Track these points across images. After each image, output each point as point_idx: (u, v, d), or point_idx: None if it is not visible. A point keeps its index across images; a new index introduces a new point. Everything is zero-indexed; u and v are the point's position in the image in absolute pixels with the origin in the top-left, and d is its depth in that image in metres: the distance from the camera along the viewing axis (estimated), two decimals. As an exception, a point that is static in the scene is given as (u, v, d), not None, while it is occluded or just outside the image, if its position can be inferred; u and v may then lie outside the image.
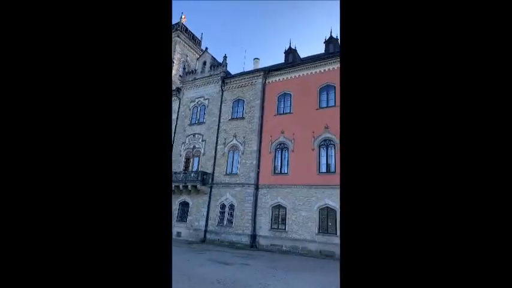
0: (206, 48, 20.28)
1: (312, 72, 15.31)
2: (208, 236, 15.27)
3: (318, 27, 46.09)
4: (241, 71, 20.53)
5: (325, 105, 14.41)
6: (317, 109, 14.51)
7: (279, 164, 14.87)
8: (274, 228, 13.91)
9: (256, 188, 14.92)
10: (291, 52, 17.40)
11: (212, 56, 19.79)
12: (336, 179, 12.92)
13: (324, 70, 14.93)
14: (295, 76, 15.84)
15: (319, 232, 12.73)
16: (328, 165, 13.49)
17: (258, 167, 15.21)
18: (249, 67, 24.80)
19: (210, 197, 15.96)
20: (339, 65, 14.54)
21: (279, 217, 13.99)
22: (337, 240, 12.14)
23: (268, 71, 16.69)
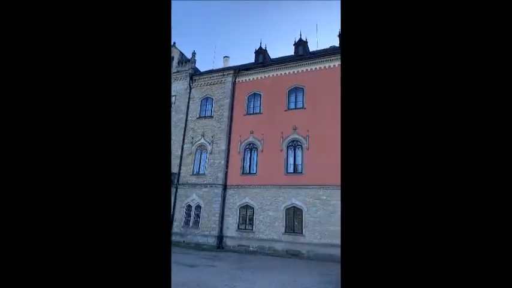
0: (174, 43, 19.66)
1: (281, 74, 15.65)
2: (173, 237, 14.84)
3: (288, 29, 47.11)
4: (211, 68, 20.27)
5: (294, 107, 14.83)
6: (286, 110, 14.87)
7: (248, 164, 14.97)
8: (241, 229, 13.98)
9: (224, 188, 14.86)
10: (261, 52, 17.60)
11: (180, 52, 19.25)
12: (302, 179, 13.37)
13: (294, 72, 15.35)
14: (265, 76, 16.06)
15: (285, 232, 13.08)
16: (295, 166, 13.91)
17: (227, 167, 15.17)
18: (219, 65, 24.57)
19: (175, 198, 15.53)
20: (308, 68, 15.06)
21: (246, 217, 14.09)
22: (303, 239, 12.59)
23: (239, 70, 16.71)
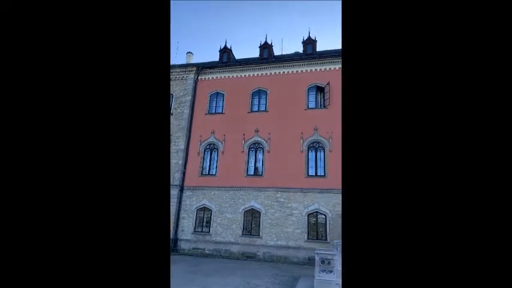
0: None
1: (246, 75, 15.81)
2: (122, 242, 13.99)
3: (254, 32, 47.69)
4: (172, 63, 19.65)
5: (257, 109, 15.09)
6: (249, 112, 15.06)
7: (208, 165, 14.81)
8: (197, 232, 13.77)
9: (181, 189, 14.50)
10: (226, 51, 17.59)
11: (140, 42, 18.30)
12: (262, 181, 13.64)
13: (258, 74, 15.63)
14: (229, 76, 16.08)
15: (243, 234, 13.21)
16: (256, 168, 14.14)
17: (185, 167, 14.82)
18: (181, 61, 23.90)
19: (127, 199, 14.67)
20: (272, 71, 15.44)
21: (203, 220, 13.92)
22: (259, 241, 12.84)
23: (202, 67, 16.48)
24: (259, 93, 15.34)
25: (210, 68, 16.42)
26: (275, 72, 15.42)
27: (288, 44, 47.23)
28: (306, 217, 12.73)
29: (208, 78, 16.33)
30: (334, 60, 14.58)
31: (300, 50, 16.83)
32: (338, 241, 7.69)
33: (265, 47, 16.85)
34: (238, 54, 29.76)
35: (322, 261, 6.87)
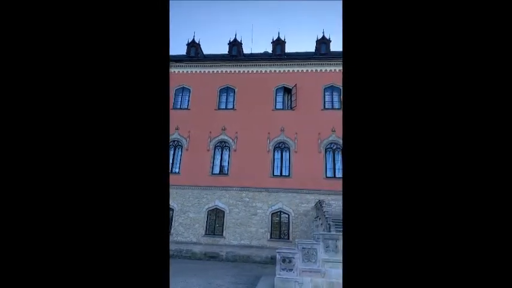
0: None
1: (214, 71, 15.66)
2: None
3: (223, 27, 47.30)
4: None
5: (224, 107, 15.04)
6: (216, 109, 14.95)
7: (171, 163, 14.42)
8: (158, 232, 13.36)
9: (142, 187, 13.93)
10: (194, 45, 17.24)
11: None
12: (227, 180, 13.66)
13: (227, 71, 15.57)
14: (196, 71, 15.80)
15: (205, 234, 13.12)
16: (221, 167, 14.10)
17: (146, 165, 14.25)
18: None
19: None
20: (241, 69, 15.48)
21: (164, 220, 13.54)
22: (223, 241, 12.86)
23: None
24: (227, 90, 15.30)
25: (176, 61, 15.96)
26: (244, 71, 15.49)
27: (257, 43, 47.65)
28: (270, 216, 13.03)
29: (174, 72, 15.87)
30: (302, 63, 15.07)
31: (270, 49, 17.11)
32: (299, 240, 8.02)
33: (235, 44, 16.84)
34: (207, 50, 29.30)
35: (283, 260, 7.13)
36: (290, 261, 7.08)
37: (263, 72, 15.35)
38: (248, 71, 15.48)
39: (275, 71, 15.23)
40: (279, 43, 16.42)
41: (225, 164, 14.15)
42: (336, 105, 14.43)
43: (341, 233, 7.41)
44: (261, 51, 18.55)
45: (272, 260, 11.39)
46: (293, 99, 14.62)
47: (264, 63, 15.40)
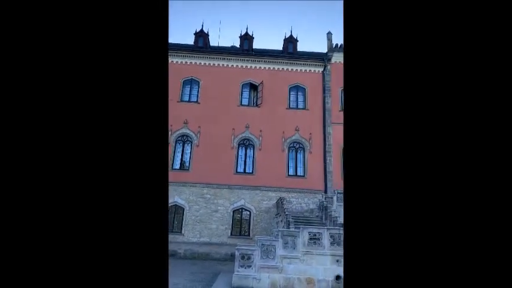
0: None
1: (178, 62, 15.22)
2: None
3: (189, 17, 45.86)
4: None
5: (187, 100, 14.72)
6: (178, 102, 14.57)
7: (127, 156, 13.75)
8: (110, 230, 12.71)
9: (93, 182, 13.11)
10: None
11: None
12: (188, 176, 13.43)
13: (191, 63, 15.23)
14: (159, 61, 15.18)
15: (163, 231, 12.79)
16: (182, 162, 13.82)
17: (99, 158, 13.42)
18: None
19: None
20: (206, 62, 15.22)
21: (118, 217, 12.92)
22: (181, 238, 12.66)
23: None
24: (191, 82, 14.97)
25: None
26: (210, 63, 15.27)
27: (224, 37, 47.13)
28: (231, 213, 13.13)
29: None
30: (270, 60, 15.30)
31: (237, 44, 17.07)
32: (259, 237, 8.23)
33: (201, 35, 16.50)
34: (171, 39, 28.25)
35: (242, 257, 7.28)
36: (249, 258, 7.26)
37: (230, 66, 15.29)
38: (214, 64, 15.30)
39: (242, 66, 15.26)
40: (246, 38, 16.45)
41: (187, 159, 13.89)
42: (301, 105, 14.93)
43: (299, 230, 7.77)
44: (229, 45, 18.42)
45: (232, 257, 11.51)
46: (259, 96, 14.80)
47: (231, 57, 15.33)
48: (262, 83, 14.83)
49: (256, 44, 17.33)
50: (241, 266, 7.19)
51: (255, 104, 14.88)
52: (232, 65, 15.29)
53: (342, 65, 15.28)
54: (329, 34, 15.91)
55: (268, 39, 41.84)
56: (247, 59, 15.33)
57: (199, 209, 13.11)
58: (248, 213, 13.21)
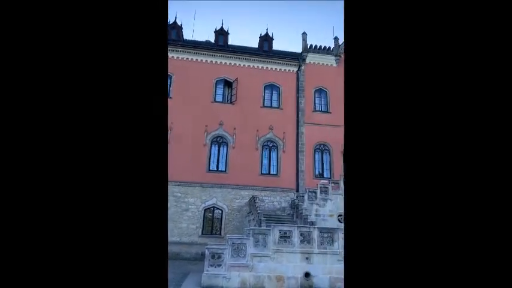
0: None
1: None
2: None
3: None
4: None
5: (159, 94, 14.29)
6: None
7: (92, 152, 13.11)
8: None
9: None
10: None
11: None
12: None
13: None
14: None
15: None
16: (152, 159, 13.43)
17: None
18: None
19: None
20: (179, 56, 14.87)
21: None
22: (149, 238, 12.31)
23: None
24: (163, 77, 14.55)
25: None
26: (183, 58, 14.95)
27: (199, 32, 46.26)
28: (203, 212, 13.00)
29: (102, 49, 14.34)
30: (245, 57, 15.30)
31: (212, 39, 16.86)
32: (230, 235, 8.26)
33: (174, 28, 16.07)
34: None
35: (213, 256, 7.26)
36: (219, 257, 7.25)
37: (204, 61, 15.07)
38: (188, 58, 14.99)
39: (216, 62, 15.11)
40: (222, 33, 16.30)
41: (157, 156, 13.51)
42: (275, 104, 15.11)
43: (270, 228, 7.90)
44: (203, 39, 18.15)
45: (202, 257, 11.39)
46: (233, 93, 14.76)
47: (205, 52, 15.11)
48: (237, 80, 14.80)
49: (232, 41, 17.24)
50: (211, 265, 7.17)
51: (229, 101, 14.82)
52: (207, 60, 15.09)
53: (316, 66, 15.75)
54: (304, 34, 16.23)
55: (244, 37, 41.76)
56: (222, 54, 15.21)
57: (169, 208, 12.82)
58: (220, 212, 13.16)
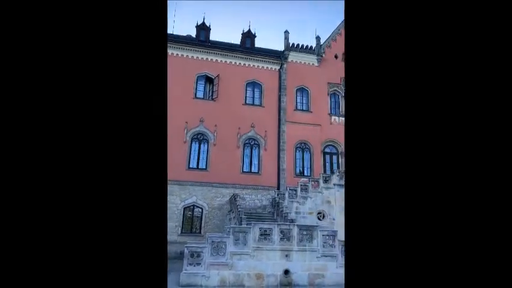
0: None
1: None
2: None
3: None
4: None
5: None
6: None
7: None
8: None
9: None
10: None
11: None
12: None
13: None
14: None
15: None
16: (129, 156, 13.10)
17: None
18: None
19: None
20: (159, 50, 14.54)
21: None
22: (126, 238, 12.02)
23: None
24: (142, 71, 14.19)
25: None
26: (163, 52, 14.62)
27: (179, 26, 45.38)
28: (182, 211, 12.84)
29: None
30: (227, 54, 15.21)
31: (194, 34, 16.61)
32: (210, 234, 8.23)
33: (155, 21, 15.67)
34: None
35: (192, 255, 7.20)
36: (198, 256, 7.21)
37: (185, 56, 14.83)
38: (168, 53, 14.68)
39: (198, 57, 14.91)
40: (203, 29, 16.10)
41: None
42: (257, 101, 15.15)
43: (250, 226, 7.94)
44: (184, 34, 17.85)
45: (182, 255, 11.27)
46: (215, 89, 14.65)
47: (187, 47, 14.87)
48: (218, 76, 14.69)
49: (213, 36, 17.07)
50: (190, 264, 7.12)
51: (210, 98, 14.69)
52: (188, 56, 14.86)
53: (298, 65, 15.94)
54: (286, 33, 16.37)
55: (226, 33, 41.44)
56: (204, 50, 15.03)
57: (147, 207, 12.58)
58: (200, 210, 13.05)
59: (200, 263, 7.18)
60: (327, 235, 8.29)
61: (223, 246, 7.44)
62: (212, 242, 7.41)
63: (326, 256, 8.00)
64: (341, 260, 8.04)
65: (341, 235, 9.06)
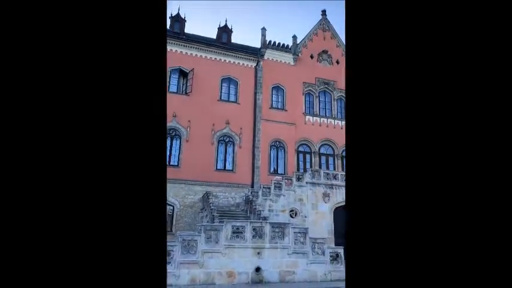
0: None
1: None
2: None
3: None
4: None
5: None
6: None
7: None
8: None
9: None
10: None
11: None
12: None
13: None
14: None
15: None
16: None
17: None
18: None
19: None
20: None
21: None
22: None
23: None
24: (111, 62, 13.58)
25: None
26: (135, 43, 14.10)
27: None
28: (152, 209, 12.52)
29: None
30: (202, 48, 14.97)
31: (167, 25, 16.15)
32: (180, 232, 8.11)
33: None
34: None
35: (161, 254, 7.07)
36: (168, 254, 7.09)
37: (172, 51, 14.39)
38: (140, 44, 14.18)
39: (172, 50, 14.52)
40: (178, 20, 15.70)
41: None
42: (232, 98, 15.09)
43: (222, 224, 7.94)
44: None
45: (150, 256, 11.03)
46: (189, 84, 14.38)
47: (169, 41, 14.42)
48: (193, 70, 14.43)
49: (188, 29, 16.72)
50: (159, 264, 6.98)
51: (184, 92, 14.40)
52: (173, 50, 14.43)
53: (274, 63, 16.08)
54: (263, 30, 16.43)
55: (201, 26, 40.77)
56: (178, 42, 14.68)
57: (115, 205, 12.13)
58: (171, 208, 12.80)
59: (170, 262, 7.06)
60: (299, 232, 8.50)
61: (195, 244, 7.37)
62: (183, 240, 7.32)
63: (297, 253, 8.21)
64: (312, 257, 8.29)
65: (312, 232, 9.33)
